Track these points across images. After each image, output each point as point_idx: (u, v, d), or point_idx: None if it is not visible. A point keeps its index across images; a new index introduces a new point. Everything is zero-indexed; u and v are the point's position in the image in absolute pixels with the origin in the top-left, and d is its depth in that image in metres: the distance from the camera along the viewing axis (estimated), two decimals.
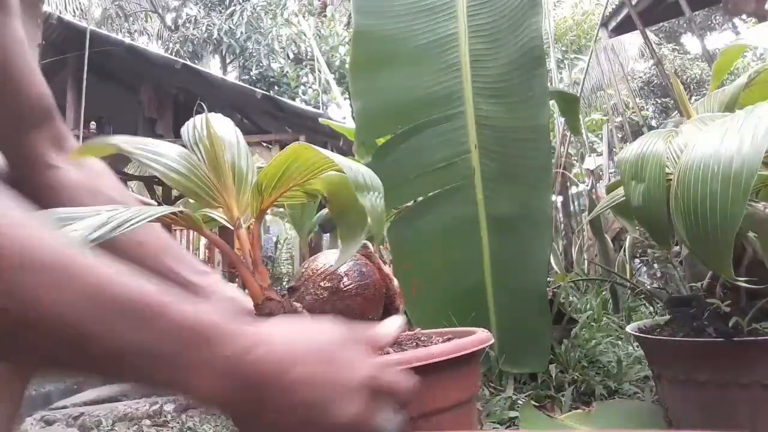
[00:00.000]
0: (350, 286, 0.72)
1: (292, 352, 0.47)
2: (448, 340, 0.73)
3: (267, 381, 0.45)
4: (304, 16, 11.67)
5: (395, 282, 0.79)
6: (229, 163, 0.70)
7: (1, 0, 0.71)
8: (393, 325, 0.57)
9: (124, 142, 0.66)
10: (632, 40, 8.57)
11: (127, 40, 6.99)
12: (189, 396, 0.45)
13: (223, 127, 0.76)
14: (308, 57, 11.08)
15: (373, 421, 0.48)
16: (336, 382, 0.47)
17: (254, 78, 10.91)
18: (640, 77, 12.16)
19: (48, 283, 0.39)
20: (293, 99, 9.25)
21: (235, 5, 11.64)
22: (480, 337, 0.69)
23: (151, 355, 0.43)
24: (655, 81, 11.69)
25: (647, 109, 11.95)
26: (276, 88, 10.59)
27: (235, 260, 0.68)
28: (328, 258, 0.74)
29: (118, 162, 7.85)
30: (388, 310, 0.78)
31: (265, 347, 0.46)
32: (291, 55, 11.26)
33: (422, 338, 0.82)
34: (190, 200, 0.72)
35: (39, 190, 0.75)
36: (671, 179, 0.89)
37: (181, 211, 0.62)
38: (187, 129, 0.74)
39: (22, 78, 0.73)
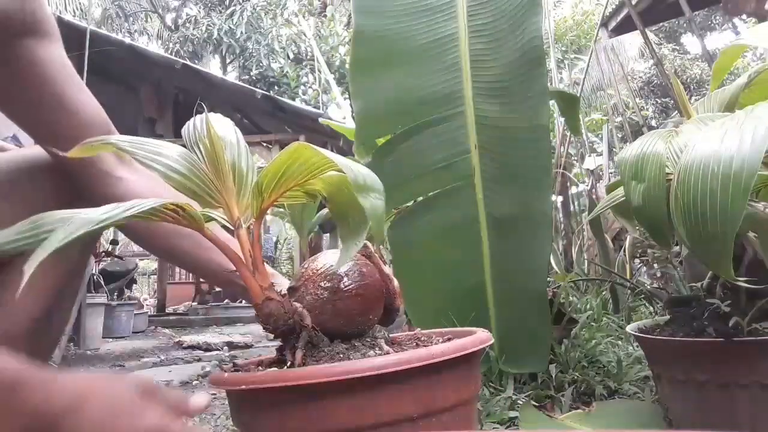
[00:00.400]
0: (351, 287, 0.72)
1: (86, 401, 0.54)
2: (448, 340, 0.73)
3: (66, 423, 0.51)
4: (304, 16, 11.67)
5: (395, 282, 0.78)
6: (230, 163, 0.70)
7: (39, 23, 0.74)
8: (201, 399, 0.63)
9: (123, 141, 0.66)
10: (632, 40, 8.58)
11: (127, 40, 6.99)
12: None
13: (223, 127, 0.76)
14: (308, 57, 11.08)
15: None
16: (120, 430, 0.53)
17: (254, 78, 10.91)
18: (640, 77, 12.16)
19: None
20: (293, 99, 9.26)
21: (235, 5, 11.64)
22: (480, 337, 0.68)
23: None
24: (655, 81, 11.69)
25: (647, 109, 11.95)
26: (276, 88, 10.59)
27: (236, 260, 0.68)
28: (328, 258, 0.73)
29: None
30: (388, 311, 0.78)
31: (51, 398, 0.52)
32: (291, 55, 11.26)
33: (422, 338, 0.82)
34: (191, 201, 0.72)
35: (107, 200, 0.77)
36: (671, 179, 0.89)
37: (182, 208, 0.62)
38: (187, 129, 0.74)
39: (74, 99, 0.76)
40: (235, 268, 0.68)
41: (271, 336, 0.71)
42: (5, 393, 0.51)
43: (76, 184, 0.83)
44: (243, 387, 0.60)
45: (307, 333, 0.68)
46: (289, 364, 0.66)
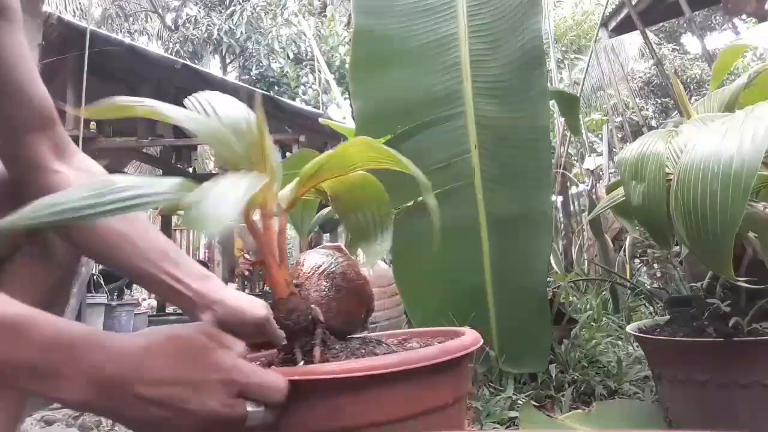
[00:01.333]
0: (350, 285, 0.72)
1: (151, 357, 0.53)
2: (436, 341, 0.73)
3: (127, 383, 0.52)
4: (304, 16, 11.67)
5: (370, 284, 0.78)
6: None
7: (4, 9, 0.72)
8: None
9: (144, 104, 0.63)
10: (632, 40, 8.57)
11: (127, 40, 6.99)
12: (61, 401, 0.52)
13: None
14: (308, 57, 11.08)
15: (239, 414, 0.54)
16: (191, 381, 0.53)
17: (254, 78, 10.91)
18: (640, 77, 12.16)
19: None
20: (293, 99, 9.26)
21: (235, 5, 11.64)
22: (463, 342, 0.67)
23: (23, 367, 0.50)
24: (655, 81, 11.69)
25: (647, 109, 11.95)
26: (276, 88, 10.59)
27: (265, 250, 0.66)
28: (318, 257, 0.73)
29: (117, 163, 7.85)
30: (367, 312, 0.78)
31: (125, 354, 0.53)
32: (291, 55, 11.26)
33: (406, 339, 0.81)
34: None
35: (40, 194, 0.74)
36: (671, 179, 0.89)
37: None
38: (232, 105, 0.72)
39: (23, 86, 0.74)
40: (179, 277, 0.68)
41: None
42: (68, 353, 0.51)
43: (10, 175, 0.80)
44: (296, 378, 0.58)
45: (321, 330, 0.68)
46: (302, 362, 0.65)
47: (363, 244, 0.74)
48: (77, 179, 0.78)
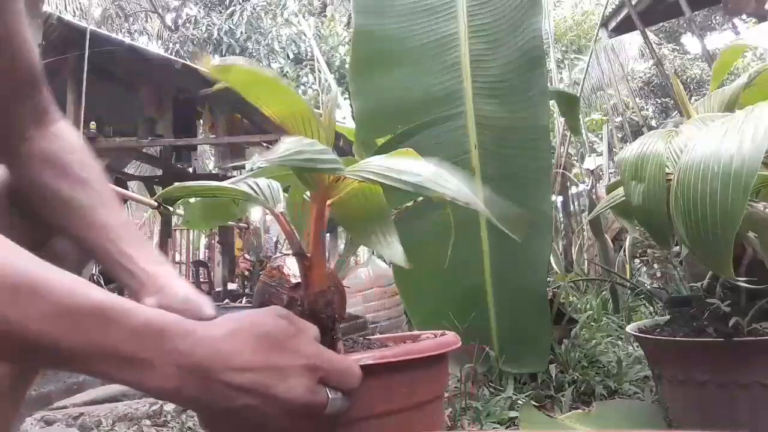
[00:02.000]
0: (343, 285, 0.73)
1: (236, 343, 0.53)
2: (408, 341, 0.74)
3: (215, 370, 0.51)
4: (304, 16, 11.68)
5: None
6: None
7: None
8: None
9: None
10: (632, 40, 8.56)
11: (127, 40, 6.99)
12: (148, 389, 0.52)
13: None
14: (308, 57, 11.08)
15: (321, 400, 0.54)
16: (277, 367, 0.53)
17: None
18: (640, 77, 12.16)
19: (13, 301, 0.47)
20: None
21: (235, 5, 11.64)
22: (438, 342, 0.68)
23: (112, 354, 0.49)
24: (655, 81, 11.70)
25: (647, 109, 11.96)
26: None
27: (313, 240, 0.66)
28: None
29: (118, 162, 7.85)
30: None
31: (212, 341, 0.53)
32: (291, 55, 11.26)
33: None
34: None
35: (12, 158, 0.76)
36: (671, 179, 0.89)
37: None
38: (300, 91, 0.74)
39: (14, 47, 0.73)
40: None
41: None
42: (158, 340, 0.51)
43: None
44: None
45: (338, 324, 0.69)
46: None
47: (369, 246, 0.74)
48: (46, 149, 0.77)
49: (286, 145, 0.57)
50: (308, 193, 0.74)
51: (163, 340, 0.51)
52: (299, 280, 0.69)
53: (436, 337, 0.74)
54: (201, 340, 0.52)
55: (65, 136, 0.80)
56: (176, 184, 0.70)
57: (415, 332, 0.83)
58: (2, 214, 0.75)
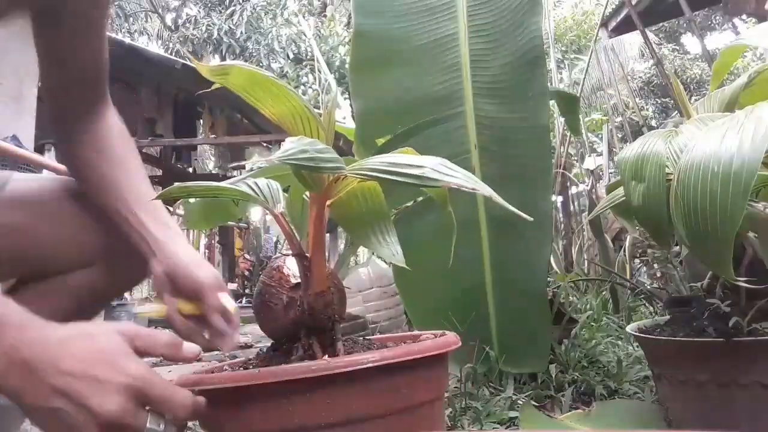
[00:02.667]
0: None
1: (66, 348, 0.55)
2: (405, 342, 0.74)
3: (38, 368, 0.54)
4: (304, 16, 11.68)
5: None
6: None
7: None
8: (193, 347, 0.63)
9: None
10: (632, 40, 8.57)
11: (127, 40, 6.99)
12: None
13: None
14: (308, 57, 11.08)
15: (137, 424, 0.55)
16: (97, 379, 0.54)
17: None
18: (640, 77, 12.16)
19: None
20: None
21: (235, 5, 11.64)
22: (437, 342, 0.68)
23: None
24: (655, 81, 11.70)
25: (647, 109, 11.96)
26: None
27: (314, 240, 0.67)
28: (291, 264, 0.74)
29: None
30: None
31: (44, 340, 0.55)
32: (291, 55, 11.26)
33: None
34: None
35: (68, 141, 0.89)
36: (671, 179, 0.89)
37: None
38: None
39: (90, 44, 0.85)
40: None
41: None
42: None
43: (52, 118, 0.91)
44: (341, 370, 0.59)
45: (338, 325, 0.69)
46: (326, 355, 0.66)
47: (368, 247, 0.74)
48: (94, 132, 0.88)
49: (288, 145, 0.58)
50: (308, 193, 0.74)
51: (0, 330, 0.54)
52: (299, 281, 0.69)
53: (436, 337, 0.74)
54: (34, 337, 0.55)
55: (111, 123, 0.92)
56: (176, 184, 0.70)
57: (416, 332, 0.83)
58: (74, 213, 0.85)
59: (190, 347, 0.62)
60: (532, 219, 0.62)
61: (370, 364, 0.59)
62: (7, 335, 0.54)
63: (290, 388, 0.58)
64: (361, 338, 0.76)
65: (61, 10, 0.80)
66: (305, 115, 0.65)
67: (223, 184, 0.75)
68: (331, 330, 0.68)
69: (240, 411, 0.61)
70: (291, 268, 0.69)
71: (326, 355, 0.66)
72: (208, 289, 0.74)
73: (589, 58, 4.24)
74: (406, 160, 0.62)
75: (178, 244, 0.79)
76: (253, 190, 0.73)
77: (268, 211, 0.74)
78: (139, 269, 0.87)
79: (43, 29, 0.83)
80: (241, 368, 0.70)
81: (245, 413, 0.61)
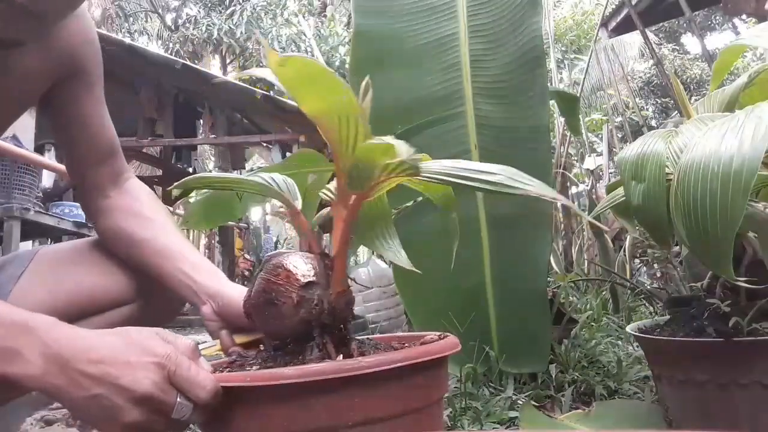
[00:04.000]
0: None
1: (96, 340, 0.61)
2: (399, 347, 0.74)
3: (73, 360, 0.58)
4: (304, 16, 11.68)
5: None
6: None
7: (81, 73, 0.92)
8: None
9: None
10: (632, 40, 8.56)
11: (127, 40, 6.99)
12: (18, 378, 0.58)
13: None
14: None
15: (169, 400, 0.59)
16: (128, 362, 0.59)
17: (254, 78, 10.91)
18: (640, 77, 12.16)
19: None
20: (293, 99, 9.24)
21: (235, 5, 11.64)
22: (440, 345, 0.68)
23: None
24: (655, 81, 11.69)
25: (647, 109, 11.96)
26: (276, 88, 10.58)
27: (340, 240, 0.67)
28: (299, 258, 0.73)
29: None
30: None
31: (73, 335, 0.61)
32: None
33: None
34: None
35: (94, 212, 0.99)
36: (671, 179, 0.89)
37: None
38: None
39: (94, 132, 0.96)
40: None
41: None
42: (24, 331, 0.60)
43: (79, 196, 1.04)
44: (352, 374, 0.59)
45: (350, 324, 0.69)
46: (340, 356, 0.66)
47: (371, 249, 0.74)
48: (121, 202, 0.97)
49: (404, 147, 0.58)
50: (330, 192, 0.74)
51: (28, 332, 0.60)
52: (310, 279, 0.68)
53: (440, 338, 0.74)
54: (63, 336, 0.60)
55: (135, 190, 1.01)
56: (194, 175, 0.70)
57: (416, 333, 0.83)
58: (100, 258, 0.96)
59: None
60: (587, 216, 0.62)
61: (399, 364, 0.59)
62: (40, 338, 0.59)
63: (319, 387, 0.58)
64: (366, 338, 0.76)
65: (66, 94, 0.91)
66: (353, 117, 0.63)
67: (242, 176, 0.75)
68: (344, 330, 0.68)
69: (261, 410, 0.60)
70: (297, 266, 0.69)
71: (341, 355, 0.66)
72: None
73: (589, 58, 4.23)
74: (479, 166, 0.63)
75: (223, 282, 0.86)
76: (270, 183, 0.73)
77: (269, 210, 0.73)
78: (171, 306, 1.01)
79: (54, 120, 0.94)
80: (254, 367, 0.69)
81: (267, 413, 0.60)
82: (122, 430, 0.59)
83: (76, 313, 0.92)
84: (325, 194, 0.76)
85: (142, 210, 0.97)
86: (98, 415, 0.59)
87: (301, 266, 0.68)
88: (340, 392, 0.58)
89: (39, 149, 3.85)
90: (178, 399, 0.59)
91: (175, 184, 0.73)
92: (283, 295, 0.66)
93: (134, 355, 0.59)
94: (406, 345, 0.75)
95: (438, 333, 0.77)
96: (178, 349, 0.62)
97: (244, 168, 7.37)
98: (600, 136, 6.24)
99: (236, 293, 0.83)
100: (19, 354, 0.58)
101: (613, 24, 5.67)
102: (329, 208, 0.75)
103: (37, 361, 0.58)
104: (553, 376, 1.50)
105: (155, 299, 0.97)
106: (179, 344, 0.63)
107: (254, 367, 0.68)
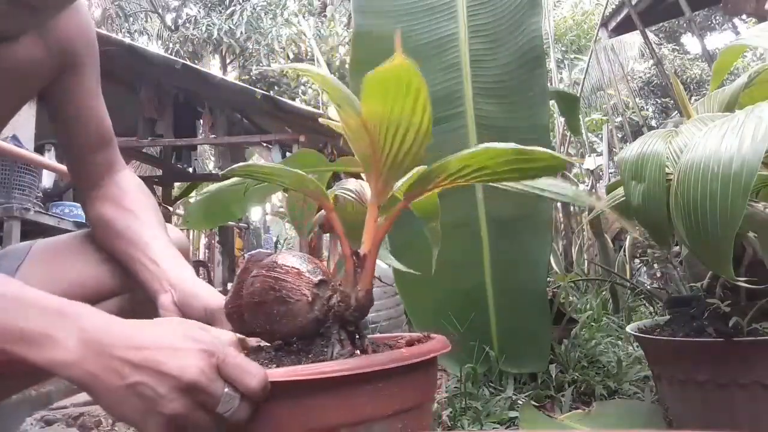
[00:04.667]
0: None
1: (136, 326, 0.58)
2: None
3: (110, 345, 0.55)
4: (304, 16, 11.68)
5: None
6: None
7: (77, 66, 0.92)
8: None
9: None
10: (632, 40, 8.56)
11: (127, 40, 6.98)
12: (53, 365, 0.55)
13: None
14: (308, 57, 11.08)
15: (215, 390, 0.54)
16: (173, 347, 0.55)
17: (254, 78, 10.92)
18: (640, 77, 12.16)
19: None
20: (293, 99, 9.25)
21: (235, 5, 11.64)
22: (428, 347, 0.68)
23: (19, 335, 0.55)
24: (655, 81, 11.69)
25: (647, 109, 11.96)
26: (276, 88, 10.60)
27: (376, 240, 0.68)
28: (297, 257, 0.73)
29: None
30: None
31: (109, 320, 0.58)
32: (291, 55, 11.26)
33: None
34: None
35: (86, 201, 0.99)
36: (671, 179, 0.89)
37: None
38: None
39: (88, 120, 0.96)
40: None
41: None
42: (58, 316, 0.57)
43: (75, 183, 1.04)
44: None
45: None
46: (357, 351, 0.67)
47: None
48: (112, 191, 0.97)
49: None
50: (350, 192, 0.75)
51: (63, 318, 0.56)
52: (321, 278, 0.68)
53: (427, 338, 0.74)
54: (101, 320, 0.57)
55: (125, 182, 1.00)
56: (239, 164, 0.69)
57: (399, 334, 0.83)
58: (94, 249, 0.96)
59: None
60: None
61: (414, 360, 0.61)
62: (76, 323, 0.56)
63: (364, 380, 0.59)
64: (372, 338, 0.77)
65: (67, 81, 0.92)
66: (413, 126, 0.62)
67: (282, 168, 0.74)
68: (357, 327, 0.69)
69: (297, 407, 0.59)
70: (301, 265, 0.69)
71: (357, 351, 0.68)
72: (220, 313, 0.75)
73: (589, 58, 4.24)
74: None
75: (188, 276, 0.84)
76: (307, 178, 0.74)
77: (324, 207, 0.74)
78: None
79: (52, 111, 0.95)
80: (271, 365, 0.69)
81: (303, 409, 0.59)
82: (162, 423, 0.54)
83: None
84: (346, 195, 0.76)
85: (124, 201, 0.96)
86: (136, 406, 0.54)
87: (305, 265, 0.69)
88: (362, 388, 0.59)
89: (39, 149, 3.85)
90: (225, 389, 0.55)
91: (226, 170, 0.73)
92: (295, 293, 0.66)
93: (181, 340, 0.56)
94: (398, 344, 0.75)
95: (421, 333, 0.78)
96: (223, 340, 0.60)
97: None
98: (600, 136, 6.24)
99: (202, 290, 0.81)
100: (53, 339, 0.54)
101: (613, 24, 5.67)
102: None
103: (74, 346, 0.54)
104: (553, 376, 1.50)
105: (140, 294, 0.96)
106: (223, 336, 0.61)
107: (272, 365, 0.68)
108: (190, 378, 0.53)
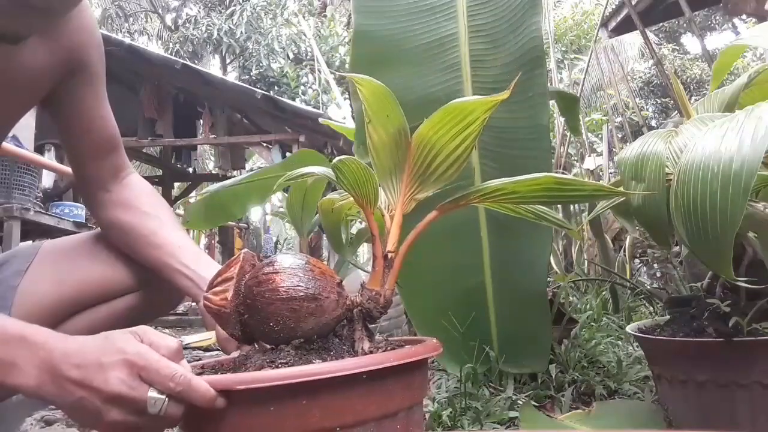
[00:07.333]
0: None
1: (79, 345, 0.62)
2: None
3: (59, 367, 0.60)
4: (304, 16, 11.68)
5: None
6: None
7: (84, 69, 0.93)
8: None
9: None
10: (632, 40, 8.56)
11: (127, 40, 6.99)
12: (15, 388, 0.61)
13: None
14: (308, 57, 11.08)
15: (139, 396, 0.59)
16: (99, 363, 0.60)
17: (254, 78, 10.92)
18: (640, 77, 12.16)
19: None
20: (293, 99, 9.25)
21: (235, 5, 11.64)
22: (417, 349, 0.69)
23: None
24: (655, 81, 11.69)
25: (647, 109, 11.96)
26: (276, 88, 10.60)
27: (410, 241, 0.73)
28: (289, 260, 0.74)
29: None
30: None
31: (62, 344, 0.63)
32: (291, 55, 11.26)
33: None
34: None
35: (95, 205, 1.01)
36: (671, 179, 0.89)
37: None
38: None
39: (95, 126, 0.97)
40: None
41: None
42: (21, 345, 0.62)
43: (79, 189, 1.06)
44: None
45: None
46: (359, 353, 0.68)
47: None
48: (121, 197, 0.99)
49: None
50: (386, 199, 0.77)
51: (24, 344, 0.62)
52: (341, 278, 0.71)
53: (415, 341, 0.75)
54: (57, 346, 0.62)
55: (137, 185, 1.02)
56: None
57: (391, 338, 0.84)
58: (103, 250, 0.99)
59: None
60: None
61: (417, 357, 0.64)
62: (37, 350, 0.62)
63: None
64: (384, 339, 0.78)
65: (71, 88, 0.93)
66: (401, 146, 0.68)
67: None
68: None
69: (302, 408, 0.60)
70: (319, 264, 0.70)
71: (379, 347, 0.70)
72: None
73: (589, 58, 4.24)
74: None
75: None
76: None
77: (360, 207, 0.76)
78: (171, 296, 1.04)
79: (57, 115, 0.96)
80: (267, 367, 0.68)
81: (308, 411, 0.60)
82: (109, 429, 0.60)
83: (83, 303, 0.95)
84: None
85: (143, 205, 0.98)
86: (87, 417, 0.61)
87: (321, 265, 0.71)
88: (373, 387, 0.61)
89: (39, 149, 3.85)
90: (150, 393, 0.59)
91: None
92: (326, 291, 0.67)
93: (106, 355, 0.60)
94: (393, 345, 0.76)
95: (410, 338, 0.80)
96: (157, 347, 0.62)
97: (244, 168, 7.36)
98: (600, 136, 6.24)
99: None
100: (16, 366, 0.61)
101: (613, 24, 5.67)
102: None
103: (32, 372, 0.61)
104: (553, 376, 1.50)
105: (155, 289, 1.00)
106: (160, 343, 0.63)
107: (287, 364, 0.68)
108: (111, 390, 0.59)
